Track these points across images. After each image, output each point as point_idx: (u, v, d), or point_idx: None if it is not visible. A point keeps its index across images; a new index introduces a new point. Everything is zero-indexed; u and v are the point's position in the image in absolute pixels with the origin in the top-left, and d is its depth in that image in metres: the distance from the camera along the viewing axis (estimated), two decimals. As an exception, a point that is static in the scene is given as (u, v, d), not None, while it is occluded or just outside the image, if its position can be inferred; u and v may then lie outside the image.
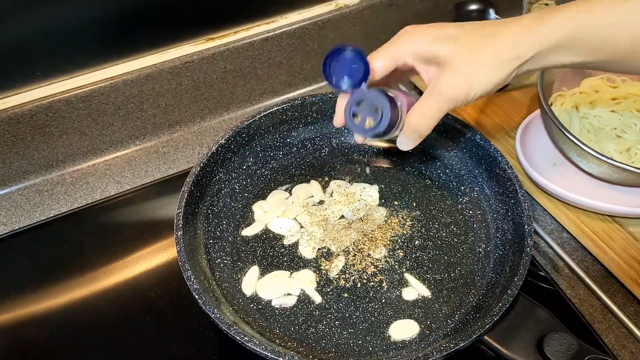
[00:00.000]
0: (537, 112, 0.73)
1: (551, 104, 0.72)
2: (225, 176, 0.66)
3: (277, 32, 0.81)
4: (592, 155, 0.62)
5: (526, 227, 0.56)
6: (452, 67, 0.48)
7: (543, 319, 0.51)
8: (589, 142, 0.67)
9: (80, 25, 0.70)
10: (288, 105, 0.68)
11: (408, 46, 0.49)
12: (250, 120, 0.67)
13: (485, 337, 0.50)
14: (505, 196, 0.62)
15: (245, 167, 0.68)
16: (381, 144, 0.73)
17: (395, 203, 0.67)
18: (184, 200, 0.58)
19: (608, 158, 0.62)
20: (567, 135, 0.63)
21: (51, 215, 0.72)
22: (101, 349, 0.58)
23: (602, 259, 0.65)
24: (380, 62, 0.50)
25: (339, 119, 0.53)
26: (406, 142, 0.53)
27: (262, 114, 0.67)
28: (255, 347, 0.48)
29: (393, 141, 0.55)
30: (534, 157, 0.70)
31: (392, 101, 0.50)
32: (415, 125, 0.51)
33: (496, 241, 0.61)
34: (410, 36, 0.50)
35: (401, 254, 0.62)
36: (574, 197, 0.65)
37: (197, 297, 0.51)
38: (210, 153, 0.63)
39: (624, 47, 0.46)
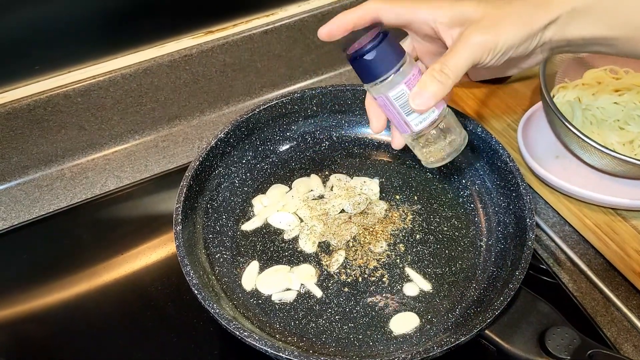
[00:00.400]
0: (539, 104, 0.73)
1: (553, 96, 0.71)
2: (224, 170, 0.65)
3: (276, 24, 0.80)
4: (595, 147, 0.62)
5: (528, 220, 0.55)
6: (478, 21, 0.46)
7: (545, 312, 0.51)
8: (592, 134, 0.67)
9: (79, 19, 0.69)
10: (287, 99, 0.68)
11: (428, 13, 0.47)
12: (250, 114, 0.66)
13: (487, 331, 0.50)
14: (506, 189, 0.61)
15: (245, 161, 0.68)
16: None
17: (396, 197, 0.67)
18: (183, 195, 0.58)
19: (611, 150, 0.61)
20: (569, 128, 0.63)
21: (50, 210, 0.72)
22: (101, 345, 0.58)
23: (604, 252, 0.64)
24: (393, 8, 0.48)
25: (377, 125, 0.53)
26: (424, 95, 0.47)
27: (261, 108, 0.67)
28: (255, 343, 0.47)
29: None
30: (536, 150, 0.70)
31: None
32: (439, 76, 0.46)
33: (497, 235, 0.61)
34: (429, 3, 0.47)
35: (402, 248, 0.62)
36: (576, 190, 0.64)
37: (196, 292, 0.51)
38: (209, 147, 0.62)
39: None
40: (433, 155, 0.52)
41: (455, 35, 0.48)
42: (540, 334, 0.49)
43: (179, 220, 0.56)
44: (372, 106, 0.54)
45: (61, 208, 0.72)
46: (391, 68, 0.47)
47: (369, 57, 0.47)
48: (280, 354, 0.47)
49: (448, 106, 0.52)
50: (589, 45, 0.48)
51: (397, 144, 0.55)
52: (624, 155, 0.61)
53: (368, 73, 0.48)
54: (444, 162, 0.52)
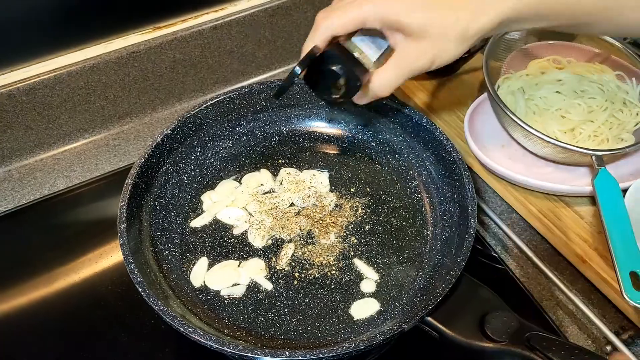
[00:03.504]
0: (485, 95, 0.74)
1: (498, 87, 0.73)
2: (172, 167, 0.65)
3: (226, 19, 0.80)
4: (537, 136, 0.63)
5: (470, 208, 0.57)
6: (419, 39, 0.48)
7: (486, 298, 0.52)
8: (535, 123, 0.68)
9: (21, 16, 0.68)
10: (235, 94, 0.68)
11: (373, 13, 0.49)
12: (197, 110, 0.66)
13: (429, 317, 0.50)
14: (451, 179, 0.62)
15: (194, 157, 0.67)
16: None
17: (345, 189, 0.67)
18: (128, 193, 0.57)
19: (552, 138, 0.63)
20: (512, 118, 0.64)
21: (-2, 213, 0.70)
22: (50, 347, 0.58)
23: (549, 238, 0.66)
24: (343, 23, 0.49)
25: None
26: (362, 100, 0.56)
27: (208, 103, 0.66)
28: (199, 338, 0.47)
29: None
30: (483, 140, 0.71)
31: (359, 73, 0.51)
32: (377, 90, 0.53)
33: (443, 224, 0.62)
34: (375, 3, 0.49)
35: (351, 239, 0.62)
36: (521, 178, 0.66)
37: (140, 289, 0.50)
38: (155, 144, 0.62)
39: (584, 10, 0.48)
40: None
41: (398, 40, 0.50)
42: (481, 319, 0.50)
43: (124, 218, 0.55)
44: None
45: (9, 210, 0.71)
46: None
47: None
48: (225, 349, 0.47)
49: None
50: (534, 29, 0.50)
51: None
52: (564, 143, 0.63)
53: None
54: None
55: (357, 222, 0.64)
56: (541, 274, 0.64)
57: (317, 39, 0.51)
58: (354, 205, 0.65)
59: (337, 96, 0.54)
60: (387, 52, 0.54)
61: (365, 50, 0.53)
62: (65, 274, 0.63)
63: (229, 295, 0.58)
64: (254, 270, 0.59)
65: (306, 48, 0.51)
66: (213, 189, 0.67)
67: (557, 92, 0.70)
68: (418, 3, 0.48)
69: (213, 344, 0.47)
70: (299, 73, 0.50)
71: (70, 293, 0.62)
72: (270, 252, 0.61)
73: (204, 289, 0.58)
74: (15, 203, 0.72)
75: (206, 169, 0.68)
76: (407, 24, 0.48)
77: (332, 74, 0.52)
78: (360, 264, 0.60)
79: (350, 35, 0.53)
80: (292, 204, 0.65)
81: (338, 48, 0.52)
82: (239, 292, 0.58)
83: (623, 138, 0.68)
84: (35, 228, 0.69)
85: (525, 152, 0.71)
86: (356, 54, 0.53)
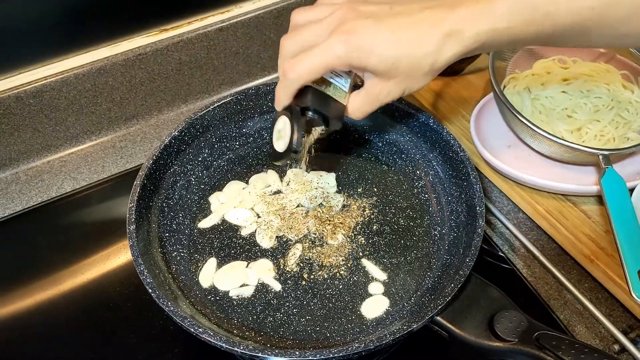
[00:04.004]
0: (491, 95, 0.74)
1: (504, 87, 0.73)
2: (180, 168, 0.65)
3: (231, 21, 0.80)
4: (544, 136, 0.63)
5: (478, 208, 0.57)
6: (388, 78, 0.48)
7: (494, 297, 0.52)
8: (541, 123, 0.68)
9: (28, 19, 0.68)
10: (242, 95, 0.68)
11: (343, 61, 0.47)
12: (204, 111, 0.66)
13: (438, 317, 0.51)
14: (458, 179, 0.62)
15: (201, 158, 0.68)
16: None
17: (352, 190, 0.67)
18: (137, 194, 0.57)
19: (559, 138, 0.63)
20: (518, 117, 0.64)
21: (6, 215, 0.71)
22: (59, 349, 0.58)
23: (556, 238, 0.66)
24: (310, 73, 0.48)
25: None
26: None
27: (215, 105, 0.66)
28: (209, 339, 0.48)
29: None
30: (489, 140, 0.71)
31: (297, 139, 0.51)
32: (351, 115, 0.53)
33: (450, 223, 0.62)
34: (347, 44, 0.46)
35: (359, 240, 0.62)
36: (527, 178, 0.66)
37: (150, 291, 0.50)
38: (162, 145, 0.62)
39: (556, 35, 0.47)
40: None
41: (366, 76, 0.50)
42: (490, 319, 0.50)
43: (133, 219, 0.56)
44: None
45: (17, 212, 0.71)
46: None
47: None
48: (235, 349, 0.47)
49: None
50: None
51: None
52: (571, 143, 0.63)
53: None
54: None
55: (365, 223, 0.64)
56: (548, 274, 0.64)
57: (288, 91, 0.50)
58: (361, 205, 0.66)
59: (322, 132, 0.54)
60: None
61: (336, 82, 0.53)
62: (73, 276, 0.64)
63: (237, 296, 0.58)
64: (263, 271, 0.60)
65: (280, 99, 0.52)
66: (221, 190, 0.67)
67: (563, 91, 0.70)
68: (386, 38, 0.46)
69: (224, 345, 0.47)
70: (298, 149, 0.51)
71: (78, 294, 0.62)
72: (278, 252, 0.61)
73: (213, 289, 0.58)
74: (23, 205, 0.72)
75: (213, 170, 0.68)
76: (373, 67, 0.47)
77: (311, 123, 0.53)
78: (368, 264, 0.60)
79: None
80: (299, 205, 0.65)
81: (311, 92, 0.52)
82: (247, 292, 0.58)
83: (629, 137, 0.68)
84: (42, 230, 0.69)
85: (531, 151, 0.71)
86: (329, 91, 0.53)
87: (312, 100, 0.51)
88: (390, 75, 0.48)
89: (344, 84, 0.53)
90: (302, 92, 0.51)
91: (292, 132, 0.51)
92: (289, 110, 0.52)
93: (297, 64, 0.47)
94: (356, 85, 0.53)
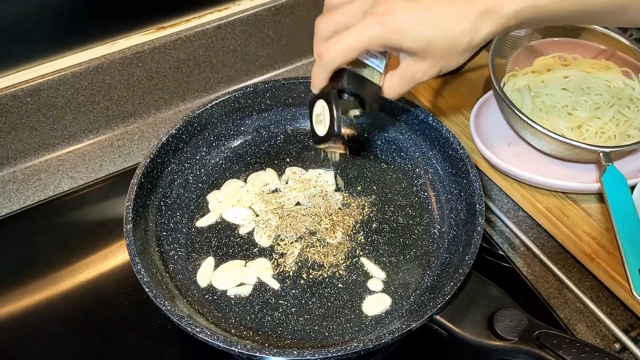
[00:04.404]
0: (491, 92, 0.74)
1: (504, 85, 0.72)
2: (177, 167, 0.65)
3: (229, 19, 0.80)
4: (544, 133, 0.63)
5: (477, 206, 0.56)
6: (424, 58, 0.48)
7: (494, 296, 0.52)
8: (541, 120, 0.68)
9: (25, 17, 0.68)
10: (240, 93, 0.68)
11: (379, 42, 0.47)
12: (202, 109, 0.66)
13: (438, 316, 0.50)
14: (458, 177, 0.62)
15: (199, 157, 0.67)
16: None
17: (352, 188, 0.67)
18: (134, 193, 0.57)
19: (559, 135, 0.63)
20: (518, 115, 0.64)
21: (3, 214, 0.70)
22: (57, 349, 0.58)
23: (556, 236, 0.66)
24: (345, 55, 0.48)
25: None
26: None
27: (213, 103, 0.66)
28: (207, 338, 0.47)
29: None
30: (489, 137, 0.71)
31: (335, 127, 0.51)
32: (386, 94, 0.53)
33: (450, 222, 0.62)
34: (382, 25, 0.46)
35: (358, 238, 0.62)
36: (527, 175, 0.65)
37: (147, 290, 0.50)
38: (160, 144, 0.62)
39: (590, 13, 0.47)
40: None
41: (402, 56, 0.49)
42: (490, 317, 0.50)
43: (130, 218, 0.55)
44: None
45: (14, 211, 0.71)
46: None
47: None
48: (233, 348, 0.47)
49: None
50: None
51: None
52: (572, 140, 0.62)
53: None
54: None
55: (364, 221, 0.64)
56: (548, 272, 0.64)
57: (324, 74, 0.50)
58: (361, 203, 0.65)
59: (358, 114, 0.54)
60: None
61: (371, 62, 0.53)
62: (71, 275, 0.63)
63: (235, 295, 0.57)
64: (261, 270, 0.59)
65: (316, 82, 0.51)
66: (219, 189, 0.67)
67: (563, 89, 0.70)
68: (421, 18, 0.46)
69: (221, 344, 0.47)
70: (340, 133, 0.51)
71: (75, 294, 0.62)
72: (276, 251, 0.61)
73: (211, 288, 0.58)
74: (20, 204, 0.72)
75: (211, 169, 0.68)
76: (409, 48, 0.47)
77: (346, 105, 0.53)
78: (367, 263, 0.60)
79: None
80: (298, 203, 0.65)
81: (346, 75, 0.52)
82: (245, 291, 0.58)
83: (630, 135, 0.67)
84: (40, 229, 0.69)
85: (531, 149, 0.71)
86: (364, 72, 0.52)
87: (348, 82, 0.51)
88: (426, 54, 0.47)
89: (379, 64, 0.53)
90: (338, 74, 0.51)
91: (332, 116, 0.51)
92: (324, 94, 0.52)
93: (332, 46, 0.47)
94: None
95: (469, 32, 0.46)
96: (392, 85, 0.52)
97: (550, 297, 0.62)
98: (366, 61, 0.52)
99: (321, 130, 0.53)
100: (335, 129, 0.51)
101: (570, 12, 0.47)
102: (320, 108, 0.53)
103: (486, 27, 0.46)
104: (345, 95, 0.52)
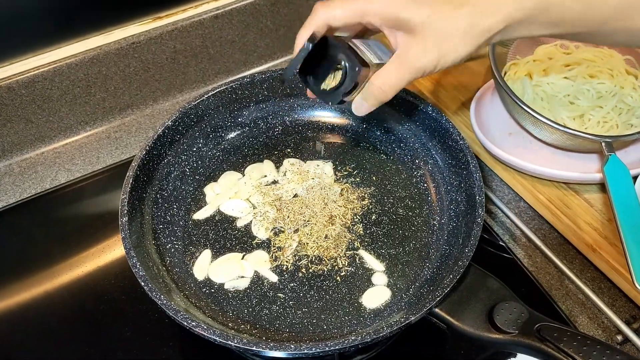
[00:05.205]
0: (491, 82, 0.73)
1: (505, 74, 0.71)
2: (174, 159, 0.64)
3: (227, 9, 0.79)
4: (545, 123, 0.62)
5: (477, 197, 0.55)
6: (422, 36, 0.46)
7: (494, 288, 0.51)
8: (542, 110, 0.67)
9: (19, 8, 0.67)
10: (237, 84, 0.67)
11: (377, 7, 0.46)
12: (198, 101, 0.65)
13: (437, 309, 0.49)
14: (458, 168, 0.61)
15: (196, 148, 0.66)
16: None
17: (350, 179, 0.66)
18: (129, 186, 0.56)
19: (561, 125, 0.62)
20: (519, 105, 0.63)
21: (-1, 207, 0.70)
22: (54, 342, 0.58)
23: (557, 227, 0.65)
24: (342, 12, 0.48)
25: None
26: (363, 107, 0.52)
27: (210, 94, 0.65)
28: (203, 332, 0.47)
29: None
30: (490, 128, 0.70)
31: (359, 61, 0.48)
32: (378, 93, 0.50)
33: (450, 213, 0.61)
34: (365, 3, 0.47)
35: (357, 230, 0.61)
36: (528, 166, 0.65)
37: (143, 283, 0.50)
38: (156, 136, 0.61)
39: (596, 19, 0.46)
40: None
41: (399, 39, 0.48)
42: (490, 310, 0.49)
43: (125, 211, 0.55)
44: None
45: (10, 204, 0.70)
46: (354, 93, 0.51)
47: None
48: (229, 342, 0.46)
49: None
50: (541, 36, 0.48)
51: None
52: (574, 130, 0.62)
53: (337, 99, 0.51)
54: None
55: (363, 213, 0.63)
56: (550, 263, 0.63)
57: (314, 24, 0.48)
58: (360, 195, 0.64)
59: (334, 86, 0.51)
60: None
61: (365, 52, 0.51)
62: (67, 269, 0.63)
63: (233, 288, 0.57)
64: (258, 262, 0.59)
65: (302, 34, 0.49)
66: (216, 181, 0.66)
67: (565, 77, 0.69)
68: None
69: (217, 338, 0.46)
70: (310, 48, 0.47)
71: (72, 287, 0.62)
72: (274, 244, 0.60)
73: (208, 282, 0.57)
74: (17, 197, 0.71)
75: (208, 161, 0.67)
76: (407, 19, 0.46)
77: (329, 60, 0.50)
78: (366, 255, 0.59)
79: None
80: (296, 195, 0.64)
81: (337, 38, 0.50)
82: (243, 284, 0.57)
83: (632, 124, 0.67)
84: (36, 222, 0.68)
85: (532, 139, 0.70)
86: (364, 55, 0.50)
87: (339, 42, 0.50)
88: (423, 32, 0.46)
89: (373, 57, 0.51)
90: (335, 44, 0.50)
91: (346, 52, 0.49)
92: (320, 40, 0.49)
93: (331, 2, 0.47)
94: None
95: (472, 16, 0.45)
96: (386, 74, 0.49)
97: (551, 289, 0.61)
98: (362, 47, 0.51)
99: (330, 82, 0.51)
100: (356, 60, 0.48)
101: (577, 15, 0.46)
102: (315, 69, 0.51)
103: (490, 18, 0.45)
104: (334, 52, 0.50)
